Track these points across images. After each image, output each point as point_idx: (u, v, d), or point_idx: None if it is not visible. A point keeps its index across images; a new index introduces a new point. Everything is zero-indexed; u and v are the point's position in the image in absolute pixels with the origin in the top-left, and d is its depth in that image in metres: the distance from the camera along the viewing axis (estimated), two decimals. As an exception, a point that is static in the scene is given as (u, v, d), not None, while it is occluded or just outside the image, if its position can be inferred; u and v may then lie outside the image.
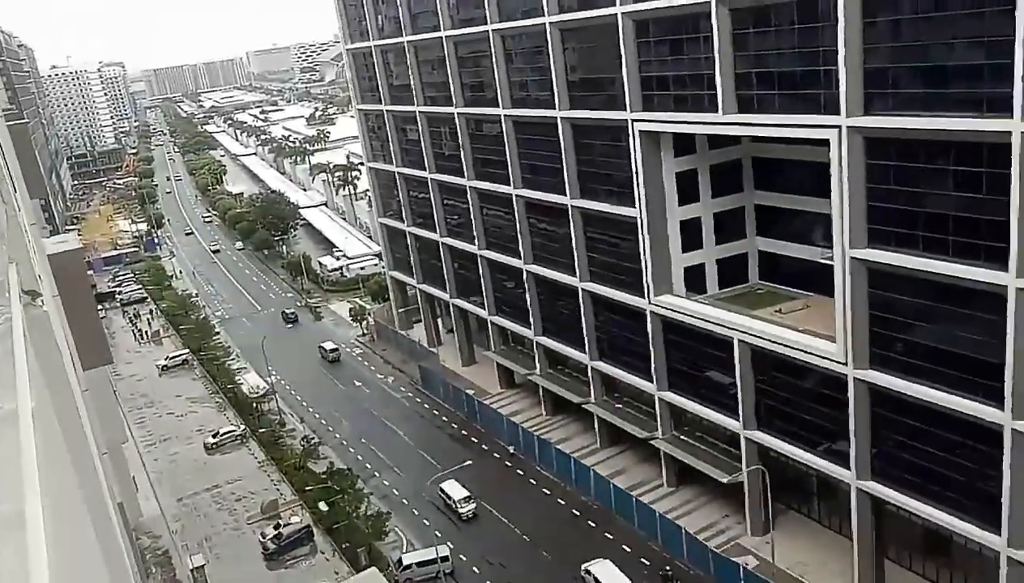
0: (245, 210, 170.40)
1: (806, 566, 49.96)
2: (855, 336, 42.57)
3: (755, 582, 48.03)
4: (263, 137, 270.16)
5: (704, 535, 54.10)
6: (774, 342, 48.15)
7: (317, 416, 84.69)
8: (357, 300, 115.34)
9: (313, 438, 77.58)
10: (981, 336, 37.25)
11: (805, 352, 46.12)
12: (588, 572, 52.53)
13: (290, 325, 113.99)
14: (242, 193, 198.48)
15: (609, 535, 57.30)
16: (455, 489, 62.94)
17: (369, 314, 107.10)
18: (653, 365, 58.72)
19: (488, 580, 54.99)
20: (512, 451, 68.78)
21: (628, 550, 55.43)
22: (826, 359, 44.61)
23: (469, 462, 63.00)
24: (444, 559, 54.29)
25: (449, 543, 57.06)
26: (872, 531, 45.86)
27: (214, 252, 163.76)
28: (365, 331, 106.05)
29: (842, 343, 43.24)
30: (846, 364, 43.32)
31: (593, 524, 58.92)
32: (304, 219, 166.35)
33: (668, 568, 53.13)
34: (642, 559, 54.37)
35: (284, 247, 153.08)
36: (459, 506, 61.70)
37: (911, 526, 45.87)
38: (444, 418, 79.60)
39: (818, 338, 45.79)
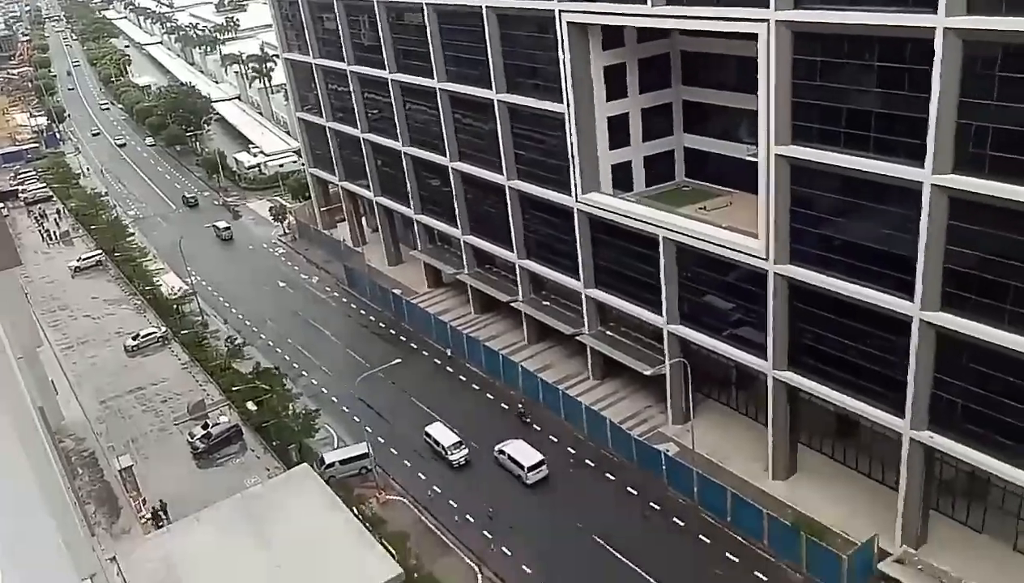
0: (154, 104, 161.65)
1: (724, 452, 52.59)
2: (776, 232, 43.63)
3: (675, 467, 50.39)
4: (168, 25, 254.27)
5: (628, 424, 56.18)
6: (698, 239, 49.02)
7: (241, 317, 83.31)
8: (277, 198, 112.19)
9: (238, 339, 76.54)
10: (895, 231, 38.62)
11: (728, 248, 47.15)
12: (502, 452, 55.07)
13: (191, 209, 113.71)
14: (149, 85, 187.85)
15: (537, 427, 58.96)
16: (443, 433, 57.32)
17: (290, 213, 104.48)
18: (580, 263, 59.30)
19: (420, 472, 56.23)
20: (450, 354, 68.85)
21: (555, 440, 57.26)
22: (748, 255, 45.75)
23: (398, 361, 63.27)
24: (364, 456, 55.30)
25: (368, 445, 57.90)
26: (786, 418, 48.33)
27: (120, 146, 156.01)
28: (287, 230, 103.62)
29: (764, 239, 44.31)
30: (767, 259, 44.53)
31: (521, 417, 60.38)
32: (217, 114, 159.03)
33: (521, 405, 60.55)
34: (568, 448, 56.31)
35: (198, 143, 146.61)
36: (449, 453, 56.02)
37: (823, 412, 48.55)
38: (371, 318, 79.34)
39: (741, 234, 46.80)
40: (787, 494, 48.38)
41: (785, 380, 46.68)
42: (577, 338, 62.19)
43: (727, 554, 45.51)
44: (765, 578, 43.71)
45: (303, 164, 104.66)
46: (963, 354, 37.71)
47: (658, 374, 55.14)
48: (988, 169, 34.22)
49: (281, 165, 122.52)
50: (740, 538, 46.32)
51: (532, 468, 53.50)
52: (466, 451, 55.73)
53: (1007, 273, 34.94)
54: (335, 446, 60.50)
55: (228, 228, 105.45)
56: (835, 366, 43.95)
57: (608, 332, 61.17)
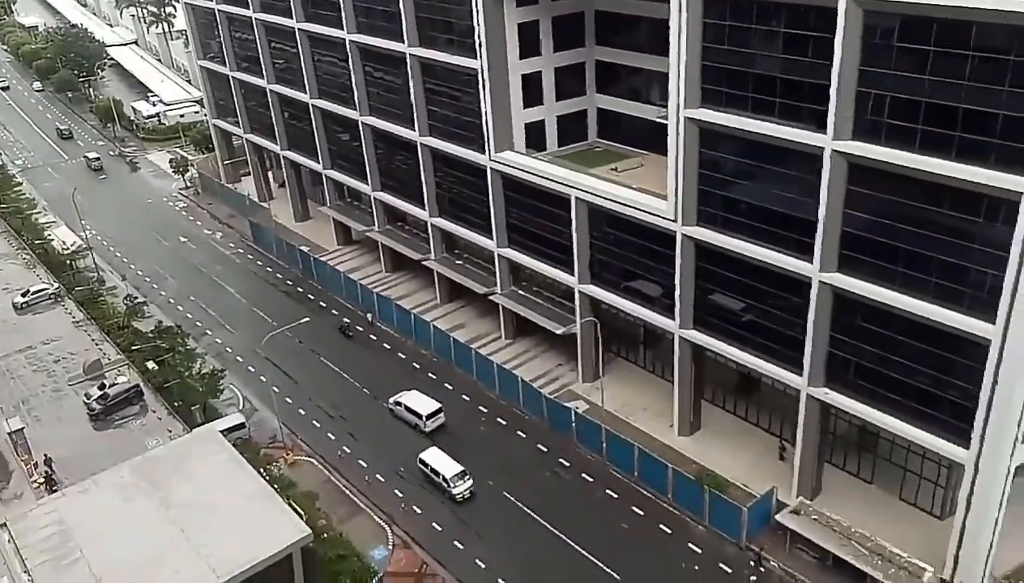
0: (42, 46, 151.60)
1: (632, 408, 53.78)
2: (685, 194, 44.30)
3: (585, 424, 51.30)
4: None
5: (539, 383, 56.75)
6: (609, 200, 49.37)
7: (140, 273, 79.91)
8: (178, 150, 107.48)
9: (137, 296, 73.52)
10: (797, 195, 39.74)
11: (638, 210, 47.67)
12: (398, 403, 55.58)
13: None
14: (36, 26, 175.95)
15: (449, 385, 58.93)
16: (442, 461, 49.98)
17: (192, 166, 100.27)
18: (493, 222, 59.03)
19: (329, 433, 55.56)
20: (371, 319, 67.32)
21: (467, 399, 57.39)
22: (657, 216, 46.36)
23: (306, 319, 61.97)
24: (240, 426, 54.32)
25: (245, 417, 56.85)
26: (691, 375, 49.64)
27: (3, 89, 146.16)
28: (189, 184, 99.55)
29: (672, 201, 44.95)
30: (675, 221, 45.25)
31: (434, 376, 60.26)
32: (112, 59, 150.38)
33: (347, 321, 64.65)
34: (480, 406, 56.55)
35: (91, 90, 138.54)
36: (452, 485, 48.63)
37: (726, 370, 50.10)
38: (278, 275, 77.33)
39: (651, 196, 47.34)
40: (692, 449, 49.93)
41: (691, 339, 47.86)
42: (490, 298, 62.17)
43: (633, 508, 46.78)
44: (669, 530, 45.17)
45: (206, 115, 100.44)
46: (857, 314, 39.33)
47: (569, 333, 55.73)
48: (885, 136, 35.43)
49: (182, 115, 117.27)
50: (646, 492, 47.63)
51: (430, 416, 53.95)
52: (470, 482, 48.89)
53: (899, 236, 36.44)
54: (240, 407, 59.07)
55: (98, 159, 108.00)
56: (738, 326, 45.28)
57: (520, 291, 61.36)
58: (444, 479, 48.60)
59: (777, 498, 44.38)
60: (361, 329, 67.02)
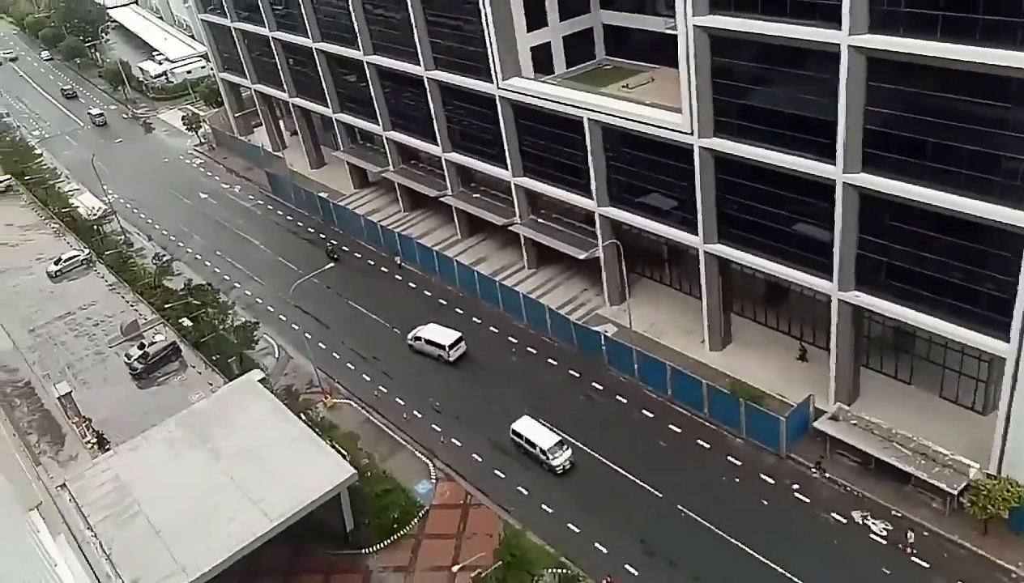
0: (46, 15, 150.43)
1: (661, 327, 53.64)
2: (700, 105, 43.14)
3: (615, 347, 51.32)
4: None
5: (566, 310, 56.74)
6: (623, 118, 48.29)
7: (165, 233, 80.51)
8: (189, 107, 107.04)
9: (165, 256, 74.23)
10: (815, 96, 38.45)
11: (652, 126, 46.61)
12: (417, 338, 56.39)
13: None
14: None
15: (476, 319, 59.16)
16: (538, 431, 46.52)
17: (204, 121, 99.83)
18: (507, 152, 58.23)
19: (364, 374, 56.27)
20: (398, 261, 67.06)
21: (496, 330, 57.64)
22: (673, 130, 45.32)
23: (332, 265, 62.15)
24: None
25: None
26: (719, 290, 49.20)
27: (12, 60, 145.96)
28: (202, 140, 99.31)
29: (687, 113, 43.83)
30: (692, 134, 44.21)
31: (461, 311, 60.48)
32: (115, 21, 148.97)
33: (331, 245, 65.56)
34: (509, 337, 56.77)
35: (98, 54, 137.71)
36: (551, 456, 45.20)
37: (753, 281, 49.58)
38: (299, 223, 77.46)
39: (665, 110, 46.21)
40: (724, 363, 49.83)
41: (716, 253, 47.27)
42: (510, 228, 61.78)
43: (670, 426, 47.05)
44: (708, 445, 45.44)
45: (212, 69, 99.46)
46: (885, 214, 38.42)
47: (592, 258, 55.37)
48: (905, 26, 33.96)
49: (189, 72, 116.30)
50: (682, 410, 47.81)
51: (452, 345, 54.56)
52: (569, 452, 45.65)
53: (925, 130, 35.25)
54: (276, 356, 59.97)
55: (101, 114, 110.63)
56: (763, 235, 44.51)
57: (540, 220, 60.86)
58: (541, 451, 45.24)
59: (815, 405, 44.28)
60: (347, 249, 67.83)
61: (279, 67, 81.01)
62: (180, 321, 62.87)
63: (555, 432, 46.03)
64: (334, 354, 58.74)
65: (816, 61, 37.45)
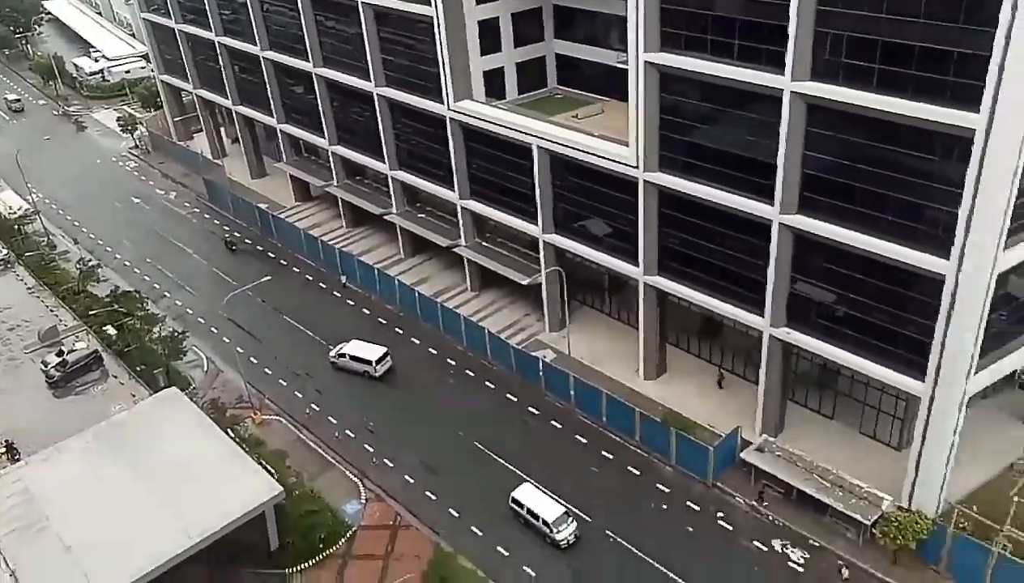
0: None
1: (599, 355, 54.31)
2: (647, 140, 44.21)
3: (553, 373, 51.74)
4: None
5: (506, 334, 56.97)
6: (571, 148, 49.08)
7: (93, 237, 78.01)
8: (125, 108, 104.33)
9: (90, 260, 71.86)
10: (757, 138, 39.89)
11: (600, 157, 47.50)
12: (341, 355, 56.21)
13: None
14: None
15: (416, 339, 58.89)
16: (540, 501, 42.89)
17: (141, 124, 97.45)
18: (455, 173, 58.48)
19: (296, 391, 55.33)
20: (344, 282, 66.06)
21: (435, 352, 57.46)
22: (620, 163, 46.27)
23: (268, 278, 61.18)
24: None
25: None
26: (656, 321, 50.18)
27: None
28: (138, 142, 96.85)
29: (634, 147, 44.85)
30: (638, 167, 45.22)
31: (400, 330, 60.14)
32: (50, 14, 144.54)
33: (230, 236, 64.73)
34: (448, 359, 56.67)
35: (28, 46, 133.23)
36: (555, 530, 41.73)
37: (690, 314, 50.73)
38: (236, 234, 76.03)
39: (613, 143, 47.17)
40: (658, 393, 50.73)
41: (655, 284, 48.25)
42: (454, 250, 61.89)
43: (603, 452, 47.55)
44: (638, 472, 46.05)
45: (152, 70, 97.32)
46: (817, 255, 39.91)
47: (534, 283, 55.87)
48: (843, 76, 35.57)
49: (127, 71, 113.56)
50: (615, 437, 48.39)
51: (379, 360, 54.71)
52: (575, 525, 42.28)
53: (857, 177, 36.83)
54: (204, 369, 58.50)
55: (19, 100, 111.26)
56: (701, 270, 45.67)
57: (485, 243, 61.17)
58: (544, 523, 41.85)
59: (742, 437, 45.40)
60: (250, 242, 67.28)
61: (223, 73, 79.80)
62: (104, 329, 60.91)
63: (560, 503, 42.90)
64: (266, 369, 57.64)
65: (759, 104, 38.85)
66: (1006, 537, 37.30)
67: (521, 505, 43.07)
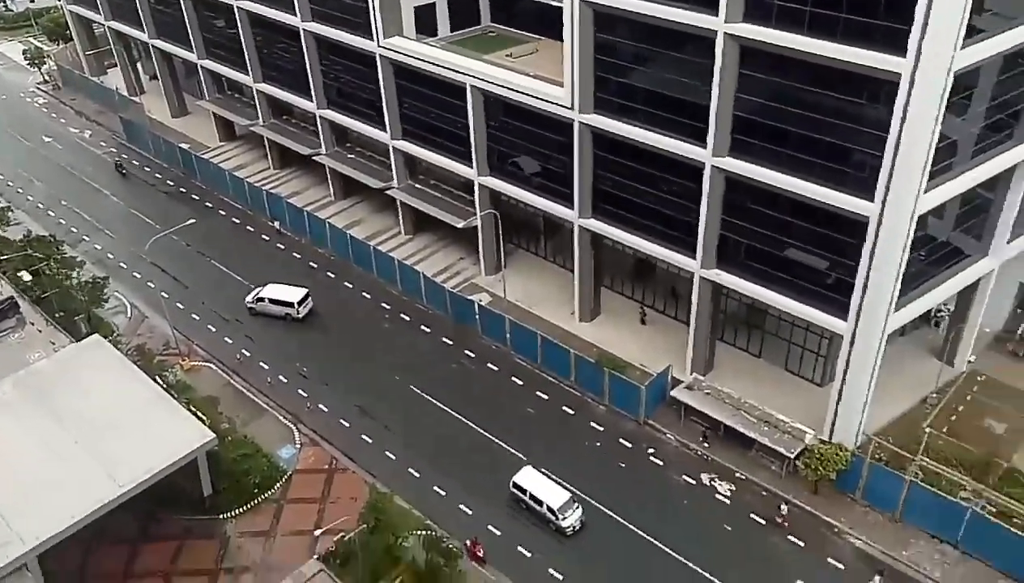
0: None
1: (534, 298, 54.55)
2: (581, 81, 43.85)
3: (488, 316, 51.83)
4: None
5: (441, 277, 56.67)
6: (505, 87, 48.40)
7: (2, 177, 74.02)
8: (31, 40, 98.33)
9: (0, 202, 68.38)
10: (691, 80, 39.97)
11: (535, 97, 46.99)
12: (259, 299, 55.04)
13: None
14: None
15: (349, 284, 58.12)
16: (544, 487, 40.77)
17: (49, 57, 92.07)
18: (386, 113, 57.17)
19: (226, 337, 54.18)
20: (278, 227, 64.03)
21: (368, 296, 56.86)
22: (554, 104, 45.88)
23: (192, 221, 59.20)
24: None
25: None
26: (591, 264, 50.53)
27: None
28: (47, 77, 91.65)
29: (569, 88, 44.47)
30: (572, 109, 44.92)
31: (332, 274, 59.22)
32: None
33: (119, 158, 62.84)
34: (382, 304, 56.18)
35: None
36: (560, 517, 39.58)
37: (623, 256, 51.25)
38: (157, 175, 73.20)
39: (547, 83, 46.66)
40: (592, 334, 51.38)
41: (589, 227, 48.47)
42: (386, 192, 60.86)
43: (538, 393, 48.13)
44: (572, 412, 46.85)
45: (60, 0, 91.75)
46: (747, 197, 40.58)
47: (469, 226, 55.49)
48: (775, 19, 35.68)
49: (32, 0, 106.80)
50: (550, 378, 48.99)
51: (301, 302, 53.99)
52: (580, 511, 40.19)
53: (788, 120, 37.33)
54: (128, 315, 56.70)
55: None
56: (635, 213, 46.01)
57: (418, 185, 60.31)
58: (549, 509, 39.81)
59: (672, 376, 46.49)
60: (137, 163, 65.25)
61: (138, 4, 75.69)
62: (18, 275, 58.21)
63: (565, 487, 40.88)
64: (193, 315, 56.20)
65: (693, 46, 38.84)
66: (918, 466, 39.47)
67: (523, 490, 40.89)
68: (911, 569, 37.22)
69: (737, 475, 42.27)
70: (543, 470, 42.15)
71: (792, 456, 40.92)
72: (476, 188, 53.91)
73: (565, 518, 39.66)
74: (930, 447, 40.37)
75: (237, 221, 65.83)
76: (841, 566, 37.61)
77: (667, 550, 38.80)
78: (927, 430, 41.29)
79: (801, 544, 38.71)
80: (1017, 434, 42.42)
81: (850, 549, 38.39)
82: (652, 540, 39.28)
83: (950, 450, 40.78)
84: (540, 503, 40.24)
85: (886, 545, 38.21)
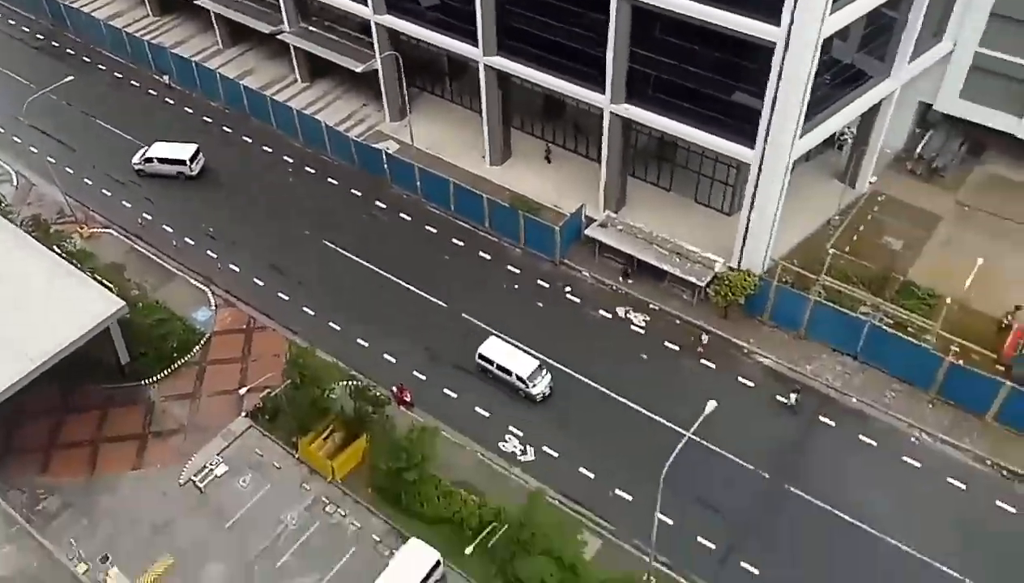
0: None
1: (443, 143, 53.28)
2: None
3: (397, 164, 50.57)
4: None
5: (344, 127, 54.64)
6: (399, -86, 45.12)
7: None
8: None
9: None
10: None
11: (431, -75, 44.03)
12: (148, 159, 52.48)
13: None
14: None
15: (247, 138, 55.52)
16: (511, 355, 40.09)
17: None
18: (270, -52, 52.90)
19: (124, 201, 51.59)
20: (167, 81, 59.85)
21: (269, 150, 54.56)
22: (452, -68, 43.14)
23: (71, 78, 54.70)
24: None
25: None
26: (499, 104, 49.27)
27: None
28: None
29: (467, -87, 41.71)
30: (472, -64, 42.34)
31: (228, 128, 56.36)
32: None
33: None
34: (285, 157, 54.05)
35: None
36: (529, 384, 39.21)
37: (532, 96, 50.09)
38: (24, 28, 66.89)
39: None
40: (504, 178, 50.89)
41: (496, 66, 46.90)
42: (278, 37, 57.18)
43: (453, 240, 47.98)
44: (488, 257, 47.02)
45: None
46: (655, 27, 39.68)
47: (370, 70, 53.01)
48: None
49: None
50: (464, 224, 48.72)
51: (193, 158, 51.99)
52: (549, 377, 39.85)
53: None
54: (14, 184, 53.17)
55: None
56: (542, 48, 44.58)
57: (312, 28, 56.79)
58: (518, 378, 39.33)
59: (586, 215, 46.81)
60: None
61: None
62: None
63: (531, 355, 40.33)
64: (85, 179, 53.11)
65: None
66: (821, 285, 41.50)
67: (490, 361, 40.26)
68: (815, 381, 39.83)
69: (651, 306, 43.71)
70: (464, 315, 42.61)
71: (703, 285, 42.39)
72: (374, 28, 51.09)
73: (535, 385, 39.43)
74: (833, 267, 42.34)
75: (120, 75, 61.24)
76: (751, 384, 39.96)
77: (587, 380, 40.38)
78: (830, 251, 43.16)
79: (712, 366, 40.82)
80: (913, 250, 44.85)
81: (759, 368, 40.71)
82: (573, 373, 40.71)
83: (851, 268, 42.89)
84: (508, 372, 39.76)
85: (792, 361, 40.63)
